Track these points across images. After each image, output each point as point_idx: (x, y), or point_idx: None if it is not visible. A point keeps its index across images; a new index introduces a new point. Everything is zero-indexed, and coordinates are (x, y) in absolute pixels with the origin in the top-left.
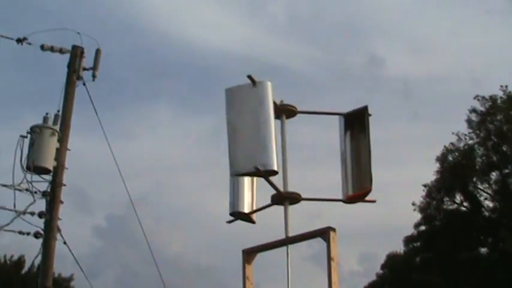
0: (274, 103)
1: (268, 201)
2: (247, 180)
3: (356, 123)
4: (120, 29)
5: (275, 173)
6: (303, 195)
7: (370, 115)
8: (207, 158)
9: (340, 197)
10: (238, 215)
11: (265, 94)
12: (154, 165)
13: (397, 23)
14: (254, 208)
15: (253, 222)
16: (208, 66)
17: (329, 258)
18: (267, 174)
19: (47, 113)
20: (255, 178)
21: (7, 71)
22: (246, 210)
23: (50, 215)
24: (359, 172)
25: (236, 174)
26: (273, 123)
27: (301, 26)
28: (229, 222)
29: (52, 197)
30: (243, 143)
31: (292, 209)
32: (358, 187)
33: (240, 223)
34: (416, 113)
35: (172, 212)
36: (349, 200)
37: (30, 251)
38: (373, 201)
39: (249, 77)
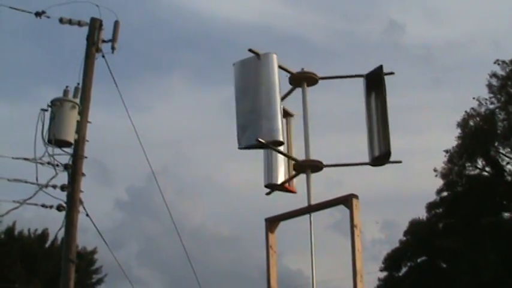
0: (291, 72)
1: None
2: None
3: (375, 84)
4: (136, 1)
5: (281, 143)
6: (324, 163)
7: (390, 73)
8: (223, 128)
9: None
10: (273, 187)
11: (270, 66)
12: (172, 136)
13: None
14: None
15: (292, 191)
16: (223, 38)
17: (352, 226)
18: (273, 144)
19: (67, 86)
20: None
21: (25, 46)
22: (279, 181)
23: (72, 188)
24: (381, 134)
25: (242, 148)
26: (278, 94)
27: None
28: (268, 194)
29: (74, 170)
30: (248, 116)
31: (314, 177)
32: (383, 148)
33: (262, 191)
34: (437, 79)
35: (191, 182)
36: (375, 162)
37: (54, 224)
38: (399, 162)
39: (251, 50)
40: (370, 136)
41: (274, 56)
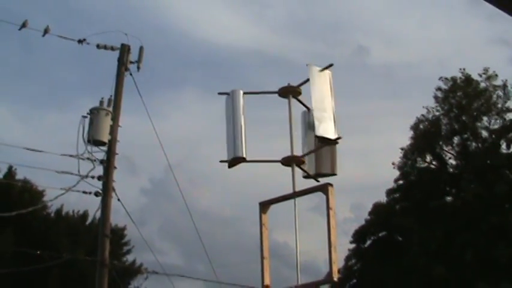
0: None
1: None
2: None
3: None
4: (157, 30)
5: (336, 142)
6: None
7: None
8: (225, 131)
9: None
10: (235, 160)
11: (331, 80)
12: (185, 138)
13: (377, 21)
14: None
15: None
16: (225, 59)
17: (328, 208)
18: (331, 142)
19: (102, 98)
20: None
21: (70, 66)
22: (241, 154)
23: (106, 178)
24: (330, 161)
25: (320, 136)
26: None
27: (298, 25)
28: (222, 161)
29: (108, 164)
30: (323, 113)
31: (297, 169)
32: (330, 171)
33: (256, 181)
34: (395, 91)
35: (200, 174)
36: (316, 176)
37: (92, 206)
38: (318, 181)
39: (331, 65)
40: (318, 160)
41: (329, 73)
